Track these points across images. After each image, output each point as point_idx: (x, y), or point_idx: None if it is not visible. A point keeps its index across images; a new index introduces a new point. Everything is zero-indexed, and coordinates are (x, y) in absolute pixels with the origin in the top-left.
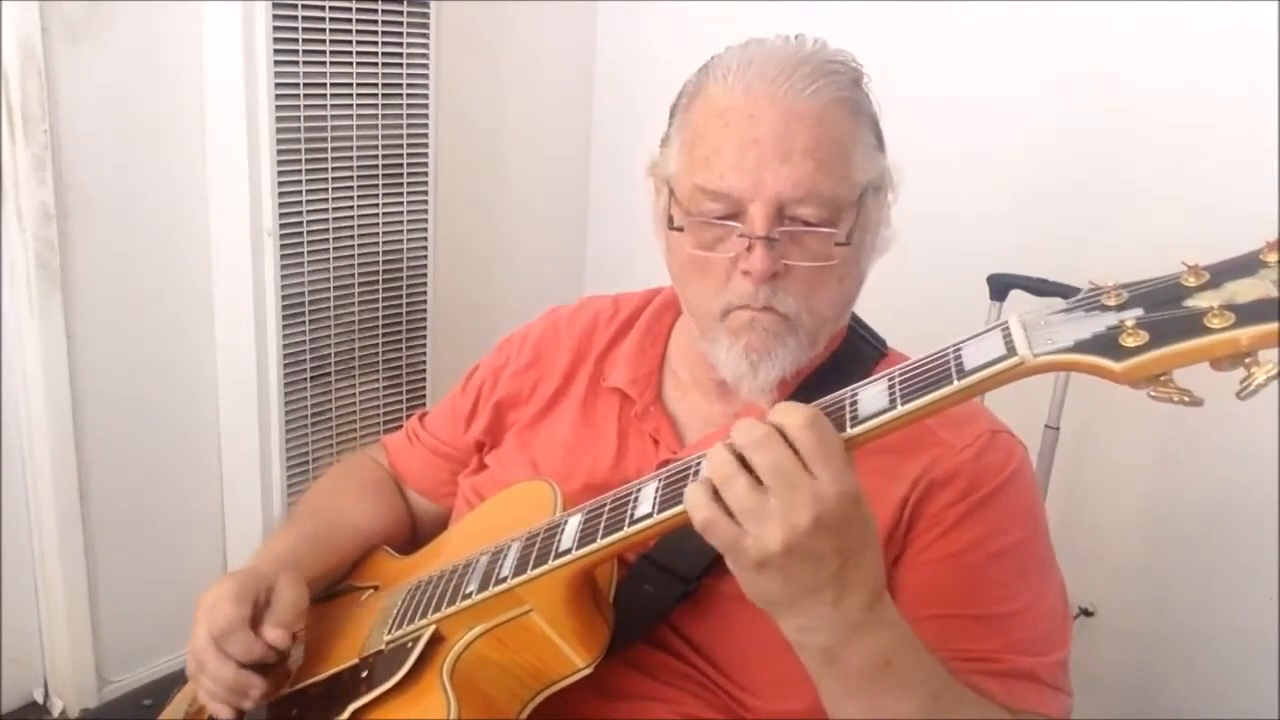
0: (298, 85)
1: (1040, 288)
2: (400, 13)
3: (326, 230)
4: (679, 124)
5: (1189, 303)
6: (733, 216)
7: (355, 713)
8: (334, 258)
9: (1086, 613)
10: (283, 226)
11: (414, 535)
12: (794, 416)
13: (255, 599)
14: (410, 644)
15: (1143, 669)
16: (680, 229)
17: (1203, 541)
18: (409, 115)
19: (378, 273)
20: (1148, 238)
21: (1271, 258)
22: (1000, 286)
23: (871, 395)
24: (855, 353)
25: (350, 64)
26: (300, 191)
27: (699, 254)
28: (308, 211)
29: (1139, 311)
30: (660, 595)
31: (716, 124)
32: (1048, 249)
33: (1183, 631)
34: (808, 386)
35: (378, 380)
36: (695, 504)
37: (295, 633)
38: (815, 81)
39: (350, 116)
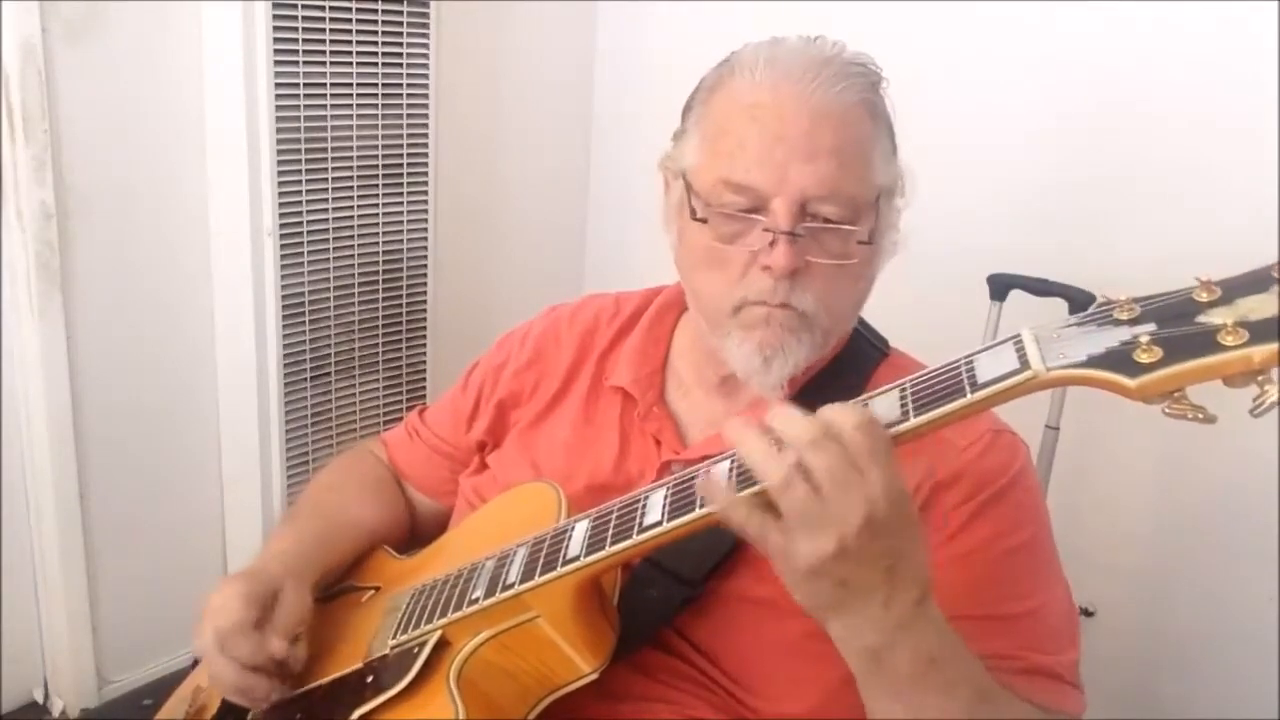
0: (298, 85)
1: (1040, 288)
2: (400, 13)
3: (326, 230)
4: (698, 117)
5: (1202, 318)
6: (754, 211)
7: (361, 718)
8: (334, 258)
9: (1086, 613)
10: (283, 226)
11: (413, 532)
12: (846, 417)
13: (264, 601)
14: (416, 649)
15: (1143, 669)
16: (704, 220)
17: (1203, 541)
18: (409, 115)
19: (378, 273)
20: (1148, 238)
21: None
22: (1000, 286)
23: (883, 405)
24: (858, 352)
25: (350, 64)
26: (300, 191)
27: (717, 246)
28: (308, 211)
29: (1152, 326)
30: (665, 599)
31: (742, 118)
32: (1048, 249)
33: (1183, 631)
34: (814, 385)
35: (378, 380)
36: (739, 517)
37: (295, 636)
38: (840, 82)
39: (350, 116)
